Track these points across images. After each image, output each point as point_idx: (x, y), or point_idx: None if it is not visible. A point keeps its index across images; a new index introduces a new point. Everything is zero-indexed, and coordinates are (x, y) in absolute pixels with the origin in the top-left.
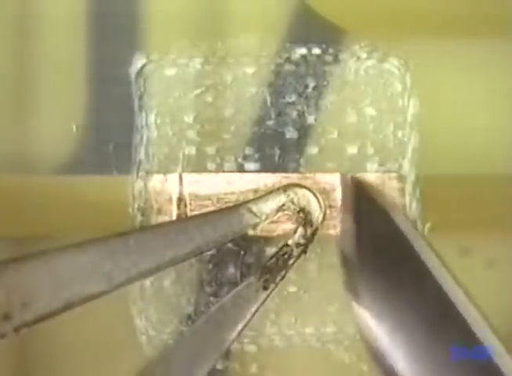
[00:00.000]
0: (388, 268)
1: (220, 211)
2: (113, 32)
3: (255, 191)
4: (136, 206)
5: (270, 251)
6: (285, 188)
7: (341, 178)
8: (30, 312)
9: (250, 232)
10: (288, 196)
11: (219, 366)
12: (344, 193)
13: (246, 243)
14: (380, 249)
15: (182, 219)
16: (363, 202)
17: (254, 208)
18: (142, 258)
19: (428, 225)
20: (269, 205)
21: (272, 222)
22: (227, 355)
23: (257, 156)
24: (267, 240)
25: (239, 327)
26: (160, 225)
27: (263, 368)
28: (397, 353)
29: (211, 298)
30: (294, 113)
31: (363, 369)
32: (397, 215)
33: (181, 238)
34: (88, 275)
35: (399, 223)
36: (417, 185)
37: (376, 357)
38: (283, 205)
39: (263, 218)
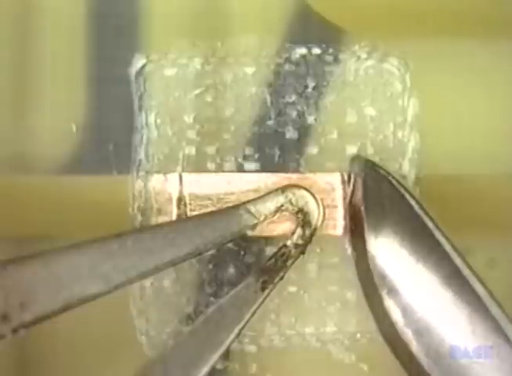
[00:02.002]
0: (399, 243)
1: (218, 211)
2: (113, 32)
3: (255, 191)
4: (136, 206)
5: (270, 251)
6: (283, 189)
7: (351, 161)
8: (29, 312)
9: (250, 232)
10: (286, 197)
11: (219, 366)
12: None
13: (246, 243)
14: (389, 225)
15: (181, 220)
16: (373, 181)
17: (253, 209)
18: (140, 259)
19: None
20: (268, 206)
21: (272, 222)
22: (227, 355)
23: (257, 156)
24: (267, 240)
25: (238, 327)
26: (159, 226)
27: (263, 368)
28: (407, 322)
29: (211, 298)
30: (294, 113)
31: (363, 369)
32: (406, 192)
33: (179, 239)
34: (87, 276)
35: (409, 200)
36: (417, 185)
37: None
38: (282, 206)
39: (261, 218)
